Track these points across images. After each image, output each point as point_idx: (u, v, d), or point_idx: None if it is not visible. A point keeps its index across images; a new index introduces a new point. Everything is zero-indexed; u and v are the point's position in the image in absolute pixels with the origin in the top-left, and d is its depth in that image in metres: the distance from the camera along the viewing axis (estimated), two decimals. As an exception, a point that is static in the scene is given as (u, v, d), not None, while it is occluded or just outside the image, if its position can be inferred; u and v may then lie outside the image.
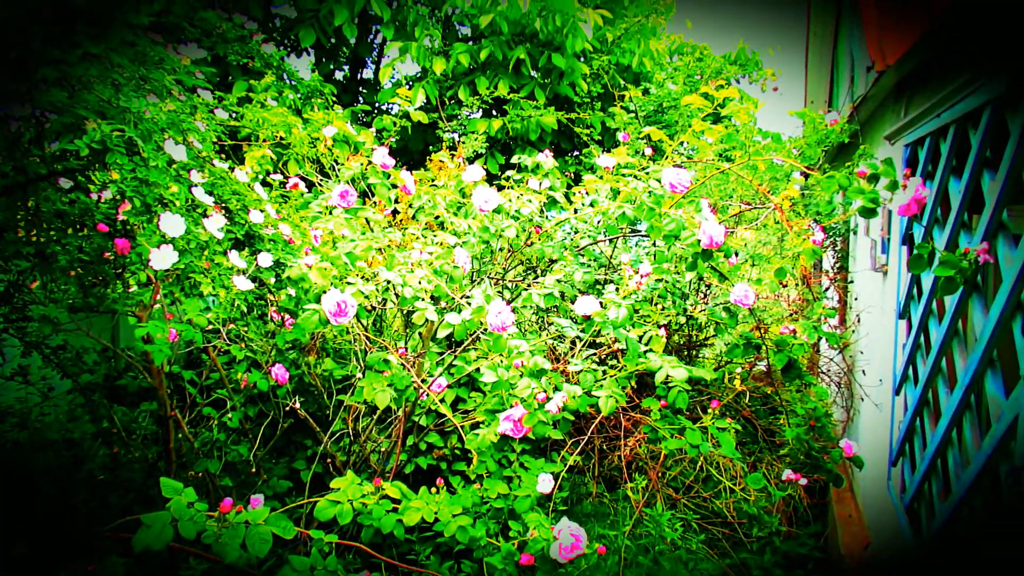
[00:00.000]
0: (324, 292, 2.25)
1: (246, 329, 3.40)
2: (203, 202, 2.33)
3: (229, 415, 3.11)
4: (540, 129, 5.89)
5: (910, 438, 3.14)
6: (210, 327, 3.01)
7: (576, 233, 3.17)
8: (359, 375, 2.97)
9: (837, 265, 6.77)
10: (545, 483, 2.11)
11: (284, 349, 3.39)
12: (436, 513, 1.92)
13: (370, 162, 2.90)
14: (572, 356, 4.39)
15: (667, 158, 3.25)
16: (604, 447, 5.15)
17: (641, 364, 2.36)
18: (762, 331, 2.96)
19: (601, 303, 2.52)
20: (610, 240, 3.29)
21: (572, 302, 2.89)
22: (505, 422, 2.13)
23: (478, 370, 4.12)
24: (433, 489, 1.98)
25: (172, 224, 2.14)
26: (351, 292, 2.21)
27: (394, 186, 2.90)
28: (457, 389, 4.20)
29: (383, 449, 3.28)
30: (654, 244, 4.57)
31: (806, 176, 6.00)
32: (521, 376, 2.18)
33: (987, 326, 1.92)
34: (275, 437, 3.35)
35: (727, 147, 4.16)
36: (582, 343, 2.56)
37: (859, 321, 5.87)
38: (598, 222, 3.09)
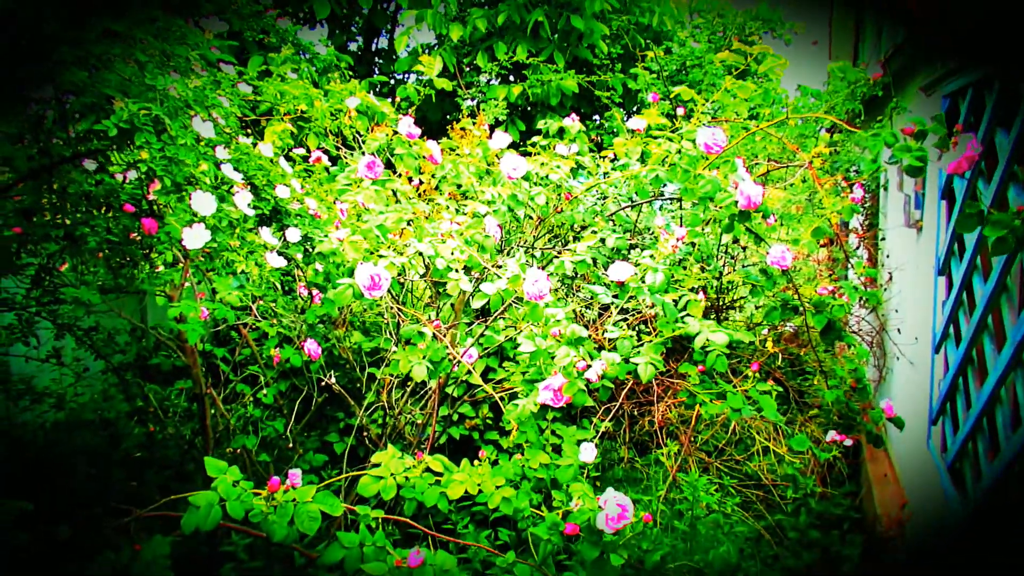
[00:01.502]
0: (356, 266, 2.23)
1: (275, 305, 3.40)
2: (231, 178, 2.30)
3: (264, 391, 3.11)
4: (560, 94, 5.79)
5: (952, 396, 3.08)
6: (241, 304, 3.01)
7: (605, 199, 3.11)
8: (392, 348, 2.96)
9: (866, 223, 6.63)
10: (588, 452, 2.08)
11: (314, 324, 3.39)
12: (479, 485, 1.91)
13: (395, 132, 2.85)
14: (602, 323, 4.36)
15: (694, 118, 3.17)
16: (635, 412, 5.13)
17: (679, 329, 2.32)
18: (800, 293, 2.90)
19: (636, 268, 2.48)
20: (635, 205, 3.23)
21: (604, 268, 2.84)
22: (545, 391, 2.10)
23: (508, 339, 4.11)
24: (476, 461, 1.96)
25: (204, 202, 2.11)
26: (384, 265, 2.18)
27: (420, 156, 2.85)
28: (487, 359, 4.19)
29: (417, 421, 3.28)
30: (680, 207, 4.50)
31: (831, 133, 5.86)
32: (559, 345, 2.15)
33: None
34: (310, 412, 3.36)
35: (754, 105, 4.06)
36: (616, 309, 2.52)
37: (891, 279, 5.77)
38: (628, 186, 3.02)
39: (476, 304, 2.20)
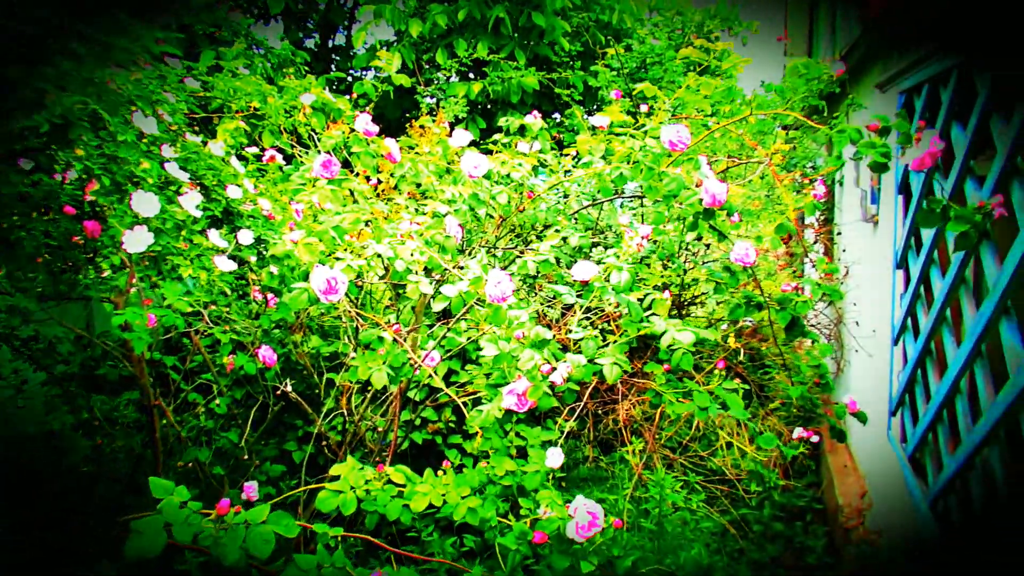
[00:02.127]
0: (311, 269, 2.14)
1: (228, 310, 3.28)
2: (177, 178, 2.19)
3: (217, 401, 3.00)
4: (521, 91, 5.74)
5: (911, 388, 3.11)
6: (191, 310, 2.89)
7: (567, 197, 3.07)
8: (351, 353, 2.87)
9: (822, 218, 6.72)
10: (554, 457, 2.03)
11: (269, 329, 3.28)
12: (444, 496, 1.84)
13: (352, 130, 2.77)
14: (565, 322, 4.32)
15: (655, 115, 3.14)
16: (599, 411, 5.12)
17: (645, 328, 2.28)
18: (763, 289, 2.89)
19: (600, 267, 2.43)
20: (598, 204, 3.19)
21: (568, 267, 2.79)
22: (509, 396, 2.04)
23: (471, 341, 4.04)
24: (440, 472, 1.89)
25: (145, 203, 2.00)
26: (341, 268, 2.10)
27: (378, 155, 2.76)
28: (448, 362, 4.12)
29: (378, 428, 3.19)
30: (642, 205, 4.48)
31: (787, 130, 5.91)
32: (523, 348, 2.09)
33: (1003, 274, 1.85)
34: (266, 421, 3.25)
35: (715, 102, 4.05)
36: (582, 309, 2.47)
37: (847, 273, 5.85)
38: (591, 184, 2.98)
39: (437, 307, 2.14)
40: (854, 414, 2.83)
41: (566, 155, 3.33)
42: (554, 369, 2.11)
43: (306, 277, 2.16)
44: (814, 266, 6.01)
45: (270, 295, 3.23)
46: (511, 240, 3.30)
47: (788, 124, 5.68)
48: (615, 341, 2.60)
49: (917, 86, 2.94)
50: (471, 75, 6.55)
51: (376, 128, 2.74)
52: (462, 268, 2.54)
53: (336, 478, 1.89)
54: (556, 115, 6.88)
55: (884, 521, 4.02)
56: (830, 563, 4.25)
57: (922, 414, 2.89)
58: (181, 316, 2.68)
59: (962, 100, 2.39)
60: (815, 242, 6.08)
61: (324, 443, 3.07)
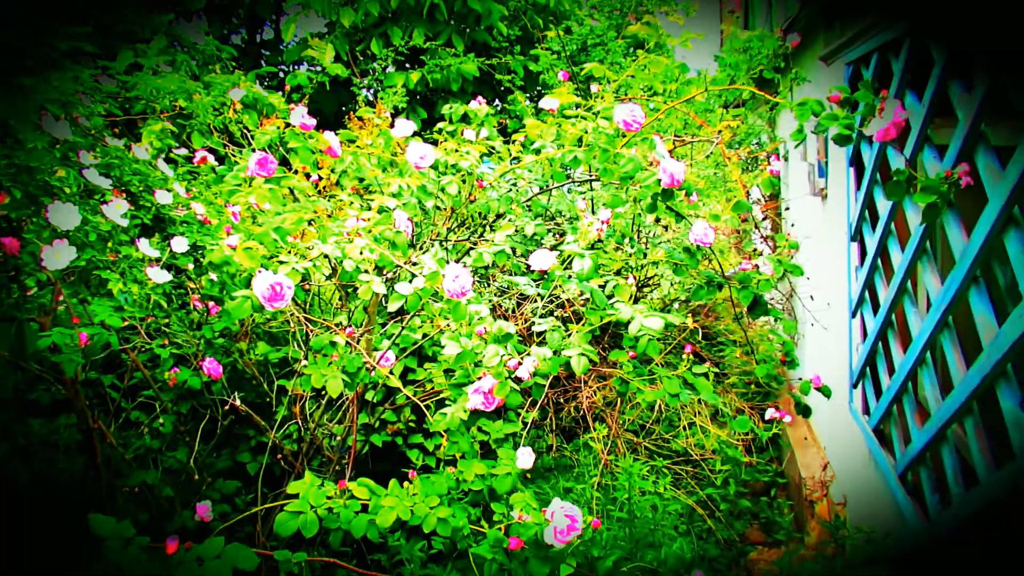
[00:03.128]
0: (254, 275, 1.99)
1: (167, 321, 3.09)
2: (99, 186, 2.01)
3: (160, 420, 2.81)
4: (461, 78, 5.60)
5: (872, 360, 3.11)
6: (126, 324, 2.69)
7: (517, 184, 2.96)
8: (302, 359, 2.72)
9: (768, 193, 6.78)
10: (525, 458, 1.94)
11: (212, 340, 3.10)
12: (412, 507, 1.73)
13: (287, 125, 2.61)
14: (521, 312, 4.23)
15: (604, 97, 3.05)
16: (560, 400, 5.05)
17: (609, 316, 2.20)
18: (723, 269, 2.84)
19: (559, 255, 2.35)
20: (550, 190, 3.10)
21: (524, 257, 2.69)
22: (475, 395, 1.94)
23: (426, 337, 3.91)
24: (406, 483, 1.78)
25: (63, 215, 1.83)
26: (285, 272, 1.96)
27: (317, 150, 2.61)
28: (404, 360, 3.99)
29: (335, 434, 3.05)
30: (591, 188, 4.41)
31: (727, 108, 5.91)
32: (486, 344, 1.99)
33: (972, 244, 1.82)
34: (216, 437, 3.07)
35: (662, 80, 3.98)
36: (543, 300, 2.38)
37: (798, 247, 5.90)
38: (543, 170, 2.88)
39: (392, 307, 2.01)
40: (819, 389, 2.81)
41: (514, 141, 3.22)
42: (520, 364, 2.01)
43: (248, 283, 2.01)
44: (765, 241, 6.07)
45: (212, 303, 3.05)
46: (463, 232, 3.19)
47: (729, 102, 5.69)
48: (577, 331, 2.52)
49: (865, 56, 2.93)
50: (408, 64, 6.38)
51: (313, 121, 2.58)
52: (415, 264, 2.42)
53: (295, 496, 1.76)
54: (498, 102, 6.77)
55: (849, 492, 4.06)
56: (799, 536, 4.28)
57: (886, 386, 2.89)
58: (115, 333, 2.50)
59: (916, 68, 2.36)
60: (764, 218, 6.12)
61: (280, 457, 2.92)
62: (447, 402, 2.09)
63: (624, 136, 2.40)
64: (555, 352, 2.16)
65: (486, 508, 1.99)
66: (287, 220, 2.09)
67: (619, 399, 4.87)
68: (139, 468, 2.94)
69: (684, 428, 4.94)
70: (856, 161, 3.30)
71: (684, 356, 2.41)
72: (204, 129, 3.44)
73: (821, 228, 4.54)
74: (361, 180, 3.14)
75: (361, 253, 2.09)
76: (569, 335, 2.37)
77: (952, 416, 2.02)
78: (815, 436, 4.94)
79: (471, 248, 3.10)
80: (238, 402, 2.56)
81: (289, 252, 2.05)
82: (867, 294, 3.22)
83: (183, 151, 3.46)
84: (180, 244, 2.66)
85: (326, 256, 2.20)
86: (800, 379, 2.72)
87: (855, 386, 3.43)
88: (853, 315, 3.39)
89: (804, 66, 4.30)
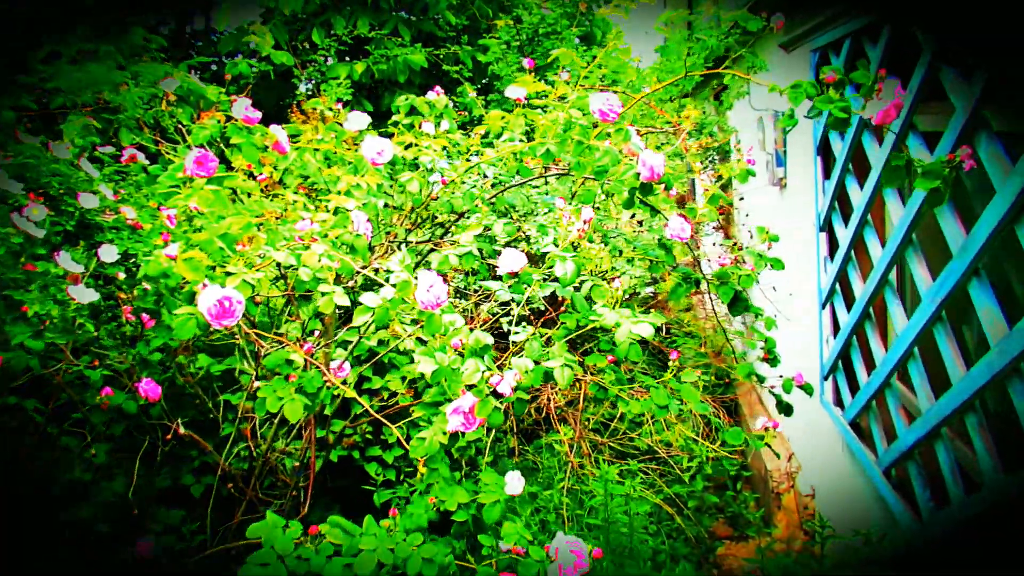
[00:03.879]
0: (197, 289, 1.76)
1: (97, 335, 2.79)
2: (9, 191, 1.74)
3: (92, 450, 2.53)
4: (408, 69, 5.36)
5: (847, 352, 3.04)
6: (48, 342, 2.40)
7: (486, 178, 2.77)
8: (253, 377, 2.48)
9: (718, 184, 6.75)
10: (514, 483, 1.76)
11: (148, 357, 2.82)
12: (393, 548, 1.54)
13: (229, 118, 2.36)
14: (479, 315, 4.04)
15: (558, 88, 2.88)
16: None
17: (594, 322, 2.04)
18: (700, 265, 2.72)
19: (528, 257, 2.18)
20: (517, 186, 2.92)
21: (492, 258, 2.51)
22: (454, 416, 1.75)
23: (381, 343, 3.69)
24: (386, 520, 1.58)
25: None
26: (234, 285, 1.73)
27: (263, 146, 2.37)
28: (358, 368, 3.77)
29: (290, 453, 2.82)
30: (546, 183, 4.24)
31: (673, 100, 5.83)
32: (465, 358, 1.80)
33: (977, 234, 1.73)
34: (157, 463, 2.80)
35: (614, 69, 3.81)
36: (519, 305, 2.21)
37: (752, 238, 5.87)
38: (509, 165, 2.70)
39: (358, 320, 1.81)
40: (800, 386, 2.71)
41: (473, 134, 3.03)
42: (502, 379, 1.83)
43: (192, 299, 1.77)
44: (727, 236, 6.00)
45: (146, 316, 2.77)
46: (421, 233, 2.98)
47: (674, 95, 5.60)
48: (552, 335, 2.36)
49: (835, 42, 2.83)
50: (351, 56, 6.10)
51: (258, 114, 2.35)
52: (377, 271, 2.22)
53: (256, 544, 1.55)
54: (446, 93, 6.54)
55: (818, 483, 4.02)
56: (767, 531, 4.22)
57: (864, 380, 2.82)
58: (36, 357, 2.22)
59: (896, 53, 2.27)
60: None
61: (229, 482, 2.67)
62: (420, 422, 1.90)
63: (597, 127, 2.24)
64: (535, 362, 1.99)
65: (470, 536, 1.82)
66: (233, 225, 1.86)
67: (580, 397, 4.75)
68: (71, 502, 2.65)
69: (649, 424, 4.84)
70: (824, 150, 3.22)
71: (670, 363, 2.27)
72: (133, 125, 3.14)
73: (780, 219, 4.49)
74: (306, 179, 2.90)
75: (320, 260, 1.87)
76: (548, 342, 2.21)
77: (952, 413, 1.94)
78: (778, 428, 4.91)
79: (431, 250, 2.91)
80: (181, 429, 2.31)
81: (238, 261, 1.82)
82: (838, 286, 3.15)
83: (109, 149, 3.16)
84: (109, 253, 2.39)
85: (278, 264, 1.97)
86: (780, 376, 2.61)
87: (826, 378, 3.37)
88: (823, 307, 3.33)
89: (761, 54, 4.23)
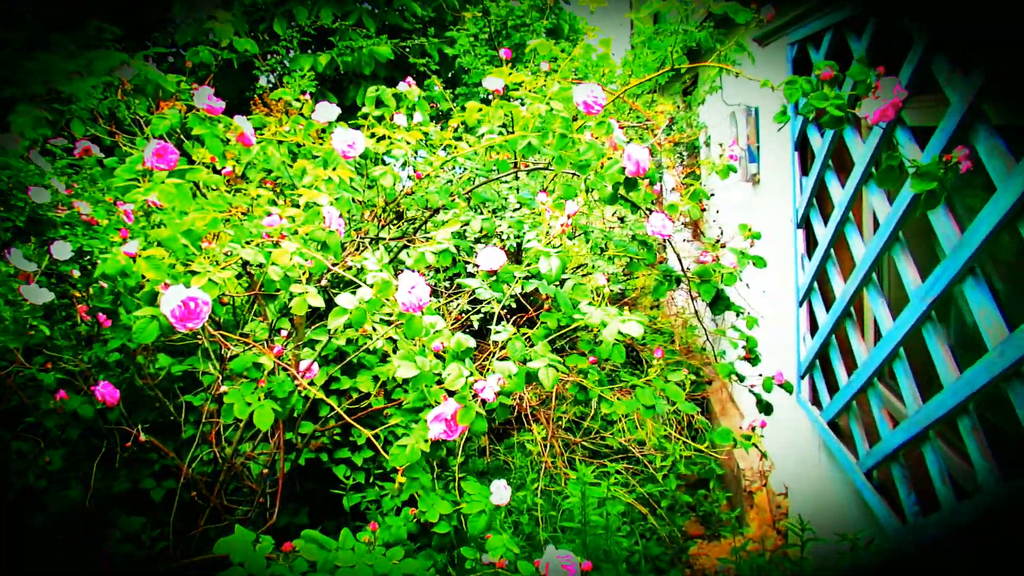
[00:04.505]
0: (159, 289, 1.64)
1: (49, 335, 2.64)
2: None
3: (47, 458, 2.39)
4: (374, 62, 5.23)
5: (825, 351, 3.02)
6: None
7: (464, 171, 2.68)
8: (218, 379, 2.35)
9: (684, 180, 6.73)
10: (500, 493, 1.68)
11: (105, 358, 2.67)
12: (372, 564, 1.44)
13: (190, 108, 2.23)
14: (450, 311, 3.95)
15: (536, 78, 2.80)
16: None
17: (579, 320, 1.97)
18: (682, 262, 2.67)
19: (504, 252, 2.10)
20: (494, 180, 2.83)
21: (468, 255, 2.42)
22: (435, 423, 1.66)
23: (349, 342, 3.57)
24: (365, 536, 1.48)
25: (-97, 220, 1.42)
26: (200, 285, 1.62)
27: (226, 138, 2.25)
28: (327, 368, 3.65)
29: (256, 457, 2.70)
30: (516, 178, 4.16)
31: (638, 96, 5.80)
32: (447, 363, 1.72)
33: (975, 233, 1.69)
34: (116, 467, 2.66)
35: (581, 66, 3.75)
36: (499, 304, 2.12)
37: (722, 234, 5.86)
38: (487, 158, 2.61)
39: (333, 323, 1.70)
40: (781, 385, 2.68)
41: (447, 127, 2.94)
42: (484, 385, 1.75)
43: (153, 299, 1.65)
44: (696, 233, 5.98)
45: (102, 315, 2.62)
46: (394, 229, 2.88)
47: (645, 90, 5.56)
48: (533, 334, 2.28)
49: (815, 35, 2.80)
50: (314, 47, 5.94)
51: (221, 104, 2.22)
52: (350, 269, 2.12)
53: (224, 562, 1.44)
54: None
55: (792, 483, 4.02)
56: (741, 532, 4.21)
57: (844, 380, 2.80)
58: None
59: (882, 47, 2.24)
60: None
61: (193, 490, 2.54)
62: (398, 430, 1.81)
63: (576, 120, 2.17)
64: (523, 362, 1.92)
65: (451, 548, 1.73)
66: (197, 221, 1.74)
67: (553, 397, 4.69)
68: (24, 510, 2.50)
69: (621, 423, 4.80)
70: (802, 145, 3.19)
71: (655, 361, 2.21)
72: (86, 116, 2.97)
73: (753, 215, 4.47)
74: (270, 173, 2.78)
75: (292, 259, 1.77)
76: (528, 342, 2.13)
77: (943, 415, 1.91)
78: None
79: (404, 247, 2.81)
80: (142, 436, 2.18)
81: (204, 259, 1.71)
82: (816, 284, 3.13)
83: (61, 142, 2.99)
84: (62, 250, 2.24)
85: (244, 263, 1.86)
86: (760, 375, 2.57)
87: (803, 377, 3.35)
88: (801, 303, 3.31)
89: (732, 47, 4.20)
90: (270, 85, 5.26)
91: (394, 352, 3.65)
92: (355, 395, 3.54)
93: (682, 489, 4.84)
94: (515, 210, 3.30)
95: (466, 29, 5.43)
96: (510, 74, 2.37)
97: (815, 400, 3.27)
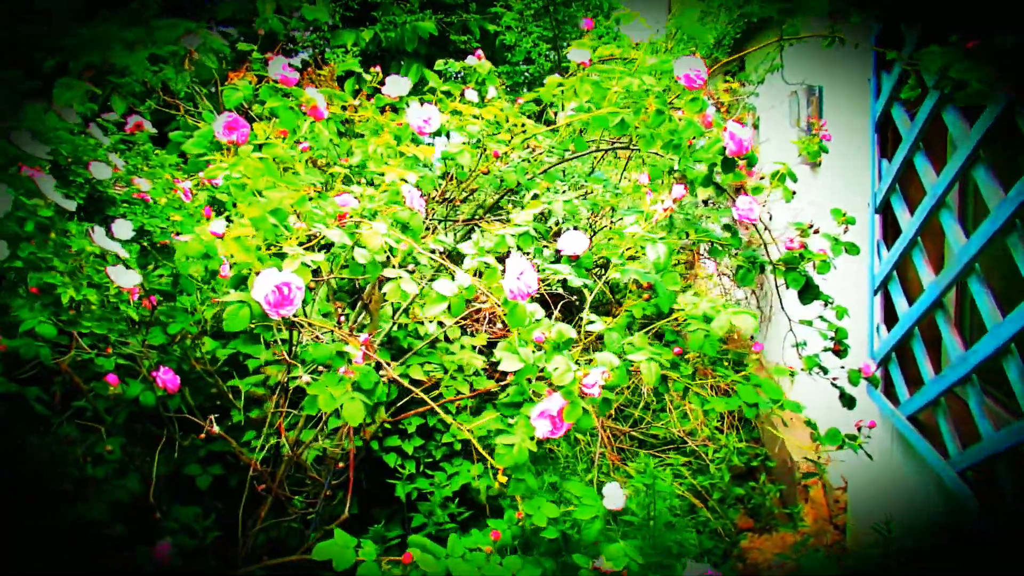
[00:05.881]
0: (250, 272, 1.53)
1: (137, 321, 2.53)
2: (34, 155, 1.49)
3: (108, 447, 2.30)
4: (416, 38, 5.08)
5: (907, 342, 2.87)
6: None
7: (539, 152, 2.54)
8: (286, 372, 2.25)
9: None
10: (615, 497, 1.56)
11: (165, 345, 2.57)
12: (481, 569, 1.34)
13: (261, 79, 2.11)
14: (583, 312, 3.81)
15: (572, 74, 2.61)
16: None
17: (686, 312, 1.84)
18: (768, 249, 2.53)
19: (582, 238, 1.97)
20: (571, 159, 2.70)
21: (545, 240, 2.30)
22: (540, 420, 1.54)
23: (399, 327, 3.46)
24: (486, 547, 1.37)
25: (-15, 196, 1.31)
26: (293, 268, 1.50)
27: (298, 111, 2.13)
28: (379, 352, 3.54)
29: (325, 446, 2.60)
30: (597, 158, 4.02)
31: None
32: (549, 355, 1.60)
33: None
34: (175, 456, 2.57)
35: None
36: (591, 292, 2.00)
37: (771, 219, 5.70)
38: (563, 137, 2.47)
39: (431, 311, 1.59)
40: (867, 379, 2.55)
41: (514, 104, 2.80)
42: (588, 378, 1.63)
43: (239, 283, 1.54)
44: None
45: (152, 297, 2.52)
46: (467, 209, 2.76)
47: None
48: (613, 324, 2.16)
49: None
50: (353, 24, 5.79)
51: (295, 75, 2.10)
52: (433, 251, 1.99)
53: (308, 563, 1.34)
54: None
55: (854, 476, 3.89)
56: (796, 527, 4.09)
57: (933, 374, 2.65)
58: (46, 344, 1.98)
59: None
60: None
61: (260, 483, 2.44)
62: (491, 429, 1.70)
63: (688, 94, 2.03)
64: (618, 356, 1.79)
65: (557, 553, 1.62)
66: (284, 200, 1.62)
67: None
68: (80, 502, 2.42)
69: (666, 411, 4.68)
70: (884, 125, 3.03)
71: (752, 355, 2.08)
72: (138, 89, 2.86)
73: (812, 199, 4.31)
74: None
75: (383, 241, 1.65)
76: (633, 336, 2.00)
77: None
78: (802, 417, 4.76)
79: (471, 230, 2.68)
80: (216, 428, 2.08)
81: (292, 241, 1.59)
82: (895, 273, 2.98)
83: (112, 116, 2.88)
84: (123, 229, 2.13)
85: (331, 245, 1.74)
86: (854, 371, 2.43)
87: (877, 368, 3.20)
88: (875, 293, 3.16)
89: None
90: (309, 61, 5.12)
91: (446, 340, 3.55)
92: (405, 381, 3.44)
93: (731, 481, 4.71)
94: (576, 190, 3.17)
95: (510, 6, 5.26)
96: (595, 48, 2.22)
97: (888, 392, 3.13)
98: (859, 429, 2.11)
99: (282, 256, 1.59)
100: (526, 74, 5.58)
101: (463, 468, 3.58)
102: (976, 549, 2.39)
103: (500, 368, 1.58)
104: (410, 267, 1.77)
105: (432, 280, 1.95)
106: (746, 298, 5.95)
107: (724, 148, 1.98)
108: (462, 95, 2.53)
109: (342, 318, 2.62)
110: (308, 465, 2.58)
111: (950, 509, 2.61)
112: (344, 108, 2.66)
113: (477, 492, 3.35)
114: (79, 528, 2.42)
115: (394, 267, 1.65)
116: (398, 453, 3.60)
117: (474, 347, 2.90)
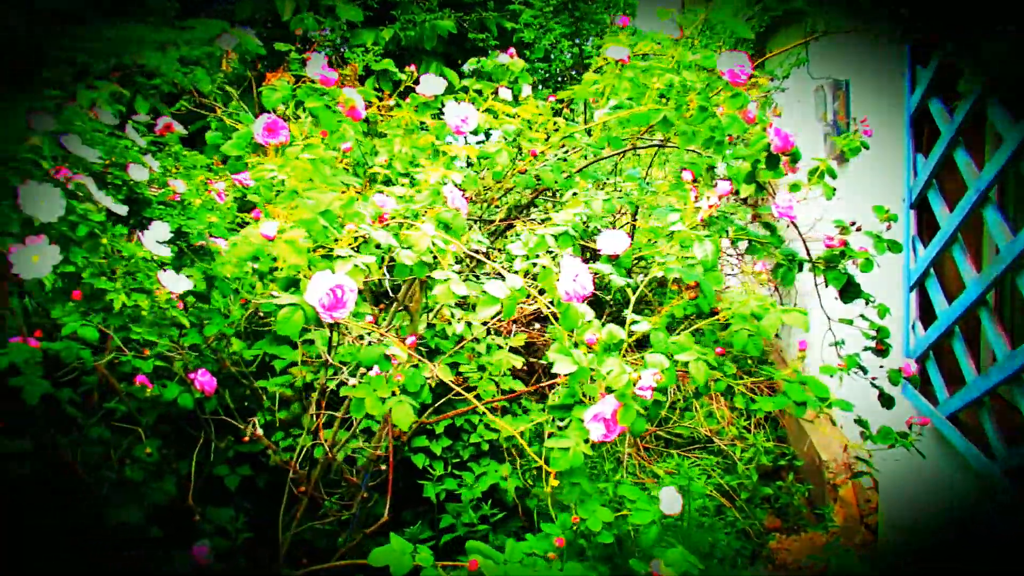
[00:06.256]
0: (302, 275, 1.51)
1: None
2: (85, 158, 1.48)
3: (148, 449, 2.29)
4: (435, 36, 5.06)
5: (947, 338, 2.83)
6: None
7: (569, 153, 2.52)
8: (325, 373, 2.24)
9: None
10: (671, 501, 1.54)
11: (199, 346, 2.56)
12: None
13: (299, 78, 2.10)
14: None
15: (591, 69, 2.58)
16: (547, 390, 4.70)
17: (730, 310, 1.82)
18: (807, 247, 2.50)
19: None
20: (606, 158, 2.67)
21: (582, 239, 2.27)
22: (594, 424, 1.52)
23: (428, 327, 3.44)
24: (551, 554, 1.35)
25: (40, 200, 1.30)
26: (345, 270, 1.48)
27: (338, 112, 2.11)
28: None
29: (362, 447, 2.59)
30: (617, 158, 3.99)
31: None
32: (601, 357, 1.57)
33: None
34: (212, 459, 2.57)
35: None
36: (634, 291, 1.98)
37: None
38: (599, 135, 2.45)
39: (482, 313, 1.56)
40: (908, 379, 2.52)
41: (546, 101, 2.77)
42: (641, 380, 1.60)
43: (289, 286, 1.53)
44: (756, 215, 5.77)
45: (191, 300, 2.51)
46: (502, 210, 2.74)
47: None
48: (655, 322, 2.13)
49: None
50: (372, 23, 5.78)
51: (334, 75, 2.08)
52: (476, 252, 1.98)
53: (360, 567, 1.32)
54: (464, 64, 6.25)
55: (886, 476, 3.84)
56: (827, 527, 4.06)
57: (974, 372, 2.61)
58: (88, 347, 1.98)
59: None
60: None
61: (299, 486, 2.43)
62: (544, 431, 1.67)
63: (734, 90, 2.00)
64: (667, 356, 1.77)
65: (609, 558, 1.60)
66: (335, 201, 1.61)
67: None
68: (114, 506, 2.41)
69: (692, 411, 4.66)
70: (919, 119, 2.99)
71: (798, 352, 2.05)
72: (168, 89, 2.86)
73: (839, 196, 4.26)
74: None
75: (431, 243, 1.63)
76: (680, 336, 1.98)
77: None
78: (828, 415, 4.72)
79: (506, 229, 2.66)
80: (259, 431, 2.07)
81: (343, 243, 1.57)
82: (932, 269, 2.94)
83: (143, 118, 2.87)
84: (162, 231, 2.12)
85: (377, 246, 1.73)
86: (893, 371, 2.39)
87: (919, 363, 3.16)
88: (911, 289, 3.12)
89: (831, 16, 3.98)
90: (330, 57, 5.10)
91: (474, 340, 3.53)
92: (432, 383, 3.43)
93: (765, 482, 4.68)
94: (608, 190, 3.14)
95: (530, 3, 5.24)
96: (634, 44, 2.20)
97: (925, 391, 3.10)
98: (910, 427, 2.06)
99: (330, 258, 1.58)
100: (545, 71, 5.55)
101: (490, 468, 3.56)
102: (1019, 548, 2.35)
103: (554, 370, 1.56)
104: (456, 268, 1.75)
105: (467, 280, 1.93)
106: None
107: (768, 144, 1.94)
108: (495, 93, 2.50)
109: (375, 320, 2.60)
110: (345, 468, 2.56)
111: (992, 509, 2.57)
112: (367, 106, 2.65)
113: (505, 492, 3.33)
114: (119, 531, 2.42)
115: (441, 267, 1.63)
116: (426, 454, 3.59)
117: (511, 348, 2.88)
